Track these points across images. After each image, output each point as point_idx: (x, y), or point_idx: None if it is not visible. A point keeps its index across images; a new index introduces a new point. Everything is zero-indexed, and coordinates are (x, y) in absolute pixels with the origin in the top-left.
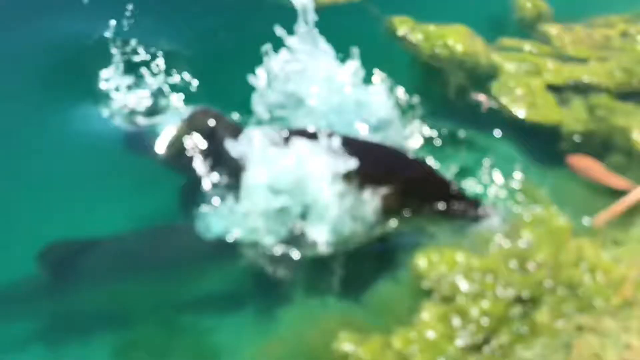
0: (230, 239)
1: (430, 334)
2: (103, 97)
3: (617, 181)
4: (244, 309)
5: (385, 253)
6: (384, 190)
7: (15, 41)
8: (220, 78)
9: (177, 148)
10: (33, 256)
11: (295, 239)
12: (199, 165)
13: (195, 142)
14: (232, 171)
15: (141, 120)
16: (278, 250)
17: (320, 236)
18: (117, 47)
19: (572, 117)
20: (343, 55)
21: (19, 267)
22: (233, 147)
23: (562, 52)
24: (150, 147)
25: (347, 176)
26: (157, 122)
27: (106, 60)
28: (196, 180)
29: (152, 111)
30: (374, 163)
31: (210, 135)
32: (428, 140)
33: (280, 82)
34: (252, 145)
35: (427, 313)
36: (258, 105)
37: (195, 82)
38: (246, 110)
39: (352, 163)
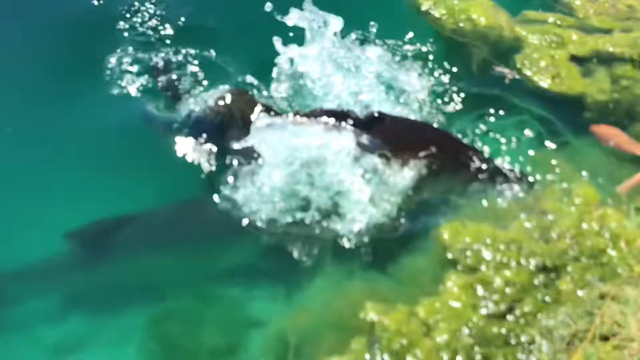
0: (258, 214)
1: (455, 304)
2: (129, 78)
3: None
4: (274, 281)
5: (411, 225)
6: (415, 161)
7: (37, 20)
8: (243, 56)
9: (206, 127)
10: (68, 233)
11: (324, 214)
12: (228, 143)
13: (225, 121)
14: (258, 150)
15: (168, 100)
16: (306, 225)
17: (354, 212)
18: (140, 26)
19: (596, 88)
20: (367, 31)
21: (55, 243)
22: (261, 127)
23: (585, 23)
24: (178, 126)
25: (379, 151)
26: (184, 101)
27: (130, 41)
28: (224, 157)
29: (177, 90)
30: (404, 136)
31: (239, 115)
32: (453, 113)
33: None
34: (278, 125)
35: (452, 283)
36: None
37: (219, 60)
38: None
39: (382, 139)
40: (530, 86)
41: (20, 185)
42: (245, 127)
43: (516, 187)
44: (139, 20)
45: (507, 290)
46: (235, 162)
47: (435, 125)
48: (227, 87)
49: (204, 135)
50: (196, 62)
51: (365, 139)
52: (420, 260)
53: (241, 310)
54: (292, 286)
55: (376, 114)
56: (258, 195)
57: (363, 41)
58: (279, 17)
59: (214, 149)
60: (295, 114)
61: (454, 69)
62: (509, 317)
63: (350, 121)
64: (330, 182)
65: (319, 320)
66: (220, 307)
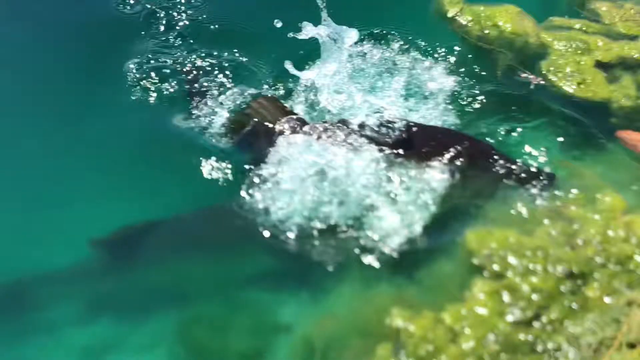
0: (284, 220)
1: (481, 310)
2: (155, 84)
3: None
4: (300, 286)
5: (437, 231)
6: (443, 167)
7: (63, 25)
8: (269, 60)
9: (236, 131)
10: (97, 238)
11: (350, 221)
12: (257, 149)
13: (255, 127)
14: (286, 157)
15: (195, 105)
16: (332, 231)
17: (381, 219)
18: (166, 31)
19: (622, 93)
20: (393, 38)
21: (85, 248)
22: (290, 134)
23: (611, 29)
24: (207, 131)
25: (406, 159)
26: (213, 106)
27: (155, 46)
28: (252, 163)
29: (205, 95)
30: (432, 144)
31: (268, 121)
32: (479, 118)
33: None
34: (307, 133)
35: (478, 289)
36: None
37: (246, 65)
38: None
39: (409, 147)
40: (556, 92)
41: (50, 190)
42: (274, 134)
43: (541, 188)
44: (164, 24)
45: (534, 297)
46: (263, 168)
47: (461, 130)
48: (256, 92)
49: (233, 141)
50: (224, 66)
51: (392, 147)
52: (446, 266)
53: (268, 315)
54: (319, 291)
55: (403, 123)
56: (285, 201)
57: (388, 48)
58: (291, 34)
59: (243, 154)
60: (324, 122)
61: (480, 75)
62: (536, 324)
63: (377, 130)
64: (357, 189)
65: (345, 325)
66: (248, 312)
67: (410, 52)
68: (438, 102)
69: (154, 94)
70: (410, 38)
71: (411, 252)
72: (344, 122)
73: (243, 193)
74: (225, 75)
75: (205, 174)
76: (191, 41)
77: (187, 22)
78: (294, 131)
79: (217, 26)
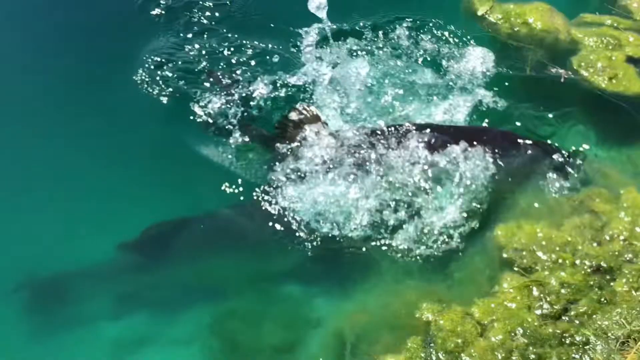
0: (317, 216)
1: (510, 304)
2: (186, 85)
3: None
4: (332, 281)
5: (467, 225)
6: (480, 163)
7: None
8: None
9: (280, 134)
10: (132, 235)
11: (383, 217)
12: (292, 151)
13: (291, 133)
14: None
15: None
16: (364, 227)
17: (414, 215)
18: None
19: None
20: (422, 36)
21: (116, 245)
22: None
23: None
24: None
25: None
26: (238, 106)
27: (179, 43)
28: (285, 161)
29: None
30: (468, 140)
31: (304, 128)
32: (510, 114)
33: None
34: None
35: (507, 284)
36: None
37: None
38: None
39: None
40: (587, 87)
41: (84, 189)
42: (309, 139)
43: (567, 173)
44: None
45: (563, 291)
46: (295, 168)
47: (489, 126)
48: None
49: (275, 142)
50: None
51: (428, 146)
52: (476, 260)
53: (300, 309)
54: (350, 286)
55: (447, 127)
56: (316, 198)
57: (417, 47)
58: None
59: (279, 154)
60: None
61: (510, 72)
62: (564, 318)
63: (412, 132)
64: (389, 187)
65: (375, 319)
66: (280, 306)
67: (440, 50)
68: (468, 98)
69: (176, 94)
70: (439, 37)
71: (441, 246)
72: (374, 128)
73: (275, 191)
74: (250, 74)
75: (241, 172)
76: (221, 36)
77: (209, 20)
78: (327, 135)
79: (239, 22)
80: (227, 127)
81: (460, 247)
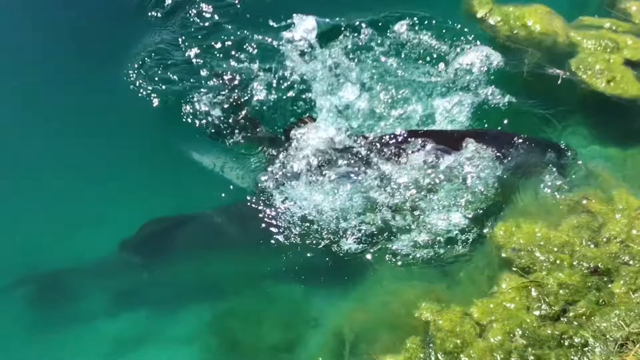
0: (316, 215)
1: (509, 305)
2: (190, 86)
3: None
4: (331, 280)
5: (467, 225)
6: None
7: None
8: None
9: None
10: (130, 233)
11: (383, 217)
12: (295, 155)
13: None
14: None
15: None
16: (364, 227)
17: (421, 216)
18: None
19: None
20: (422, 38)
21: (118, 242)
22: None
23: None
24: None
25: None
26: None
27: (183, 43)
28: (287, 161)
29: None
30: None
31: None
32: (509, 115)
33: None
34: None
35: (506, 284)
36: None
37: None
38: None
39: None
40: (585, 89)
41: (83, 188)
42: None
43: (563, 165)
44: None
45: (561, 292)
46: (296, 167)
47: (486, 128)
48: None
49: (273, 145)
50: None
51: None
52: (475, 260)
53: (299, 307)
54: (349, 285)
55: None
56: (316, 198)
57: (417, 49)
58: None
59: (281, 155)
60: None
61: (508, 73)
62: (563, 319)
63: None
64: (391, 187)
65: (374, 318)
66: (280, 305)
67: (440, 52)
68: (467, 99)
69: (173, 93)
70: (439, 38)
71: (441, 246)
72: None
73: (276, 190)
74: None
75: (233, 170)
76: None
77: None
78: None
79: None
80: (226, 127)
81: (459, 246)
